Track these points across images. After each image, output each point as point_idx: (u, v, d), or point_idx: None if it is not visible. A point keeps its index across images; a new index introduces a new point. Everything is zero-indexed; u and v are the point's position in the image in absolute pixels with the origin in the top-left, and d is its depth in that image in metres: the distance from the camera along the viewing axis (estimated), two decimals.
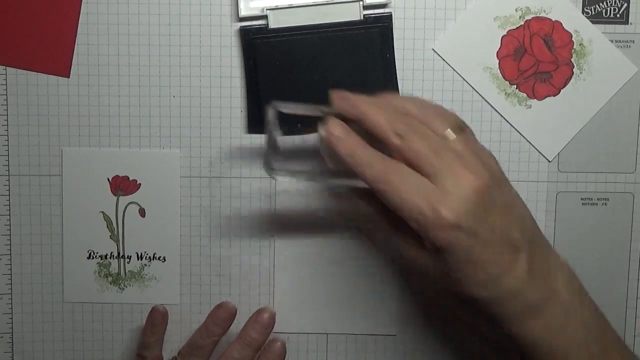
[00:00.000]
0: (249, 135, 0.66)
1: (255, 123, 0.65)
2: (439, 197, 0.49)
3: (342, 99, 0.53)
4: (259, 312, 0.66)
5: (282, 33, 0.63)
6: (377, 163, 0.50)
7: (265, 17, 0.62)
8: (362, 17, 0.63)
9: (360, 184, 0.53)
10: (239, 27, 0.64)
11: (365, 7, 0.63)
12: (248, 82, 0.64)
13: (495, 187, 0.51)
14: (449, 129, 0.52)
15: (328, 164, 0.55)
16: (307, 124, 0.61)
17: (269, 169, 0.55)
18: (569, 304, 0.53)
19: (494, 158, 0.53)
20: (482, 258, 0.50)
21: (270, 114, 0.55)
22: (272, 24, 0.62)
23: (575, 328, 0.53)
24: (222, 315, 0.65)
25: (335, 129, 0.51)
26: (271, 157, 0.55)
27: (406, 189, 0.49)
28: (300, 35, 0.63)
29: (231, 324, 0.66)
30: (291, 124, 0.62)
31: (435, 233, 0.49)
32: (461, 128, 0.52)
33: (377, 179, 0.50)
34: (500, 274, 0.51)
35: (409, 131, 0.50)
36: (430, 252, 0.52)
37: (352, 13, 0.62)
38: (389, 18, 0.63)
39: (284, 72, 0.63)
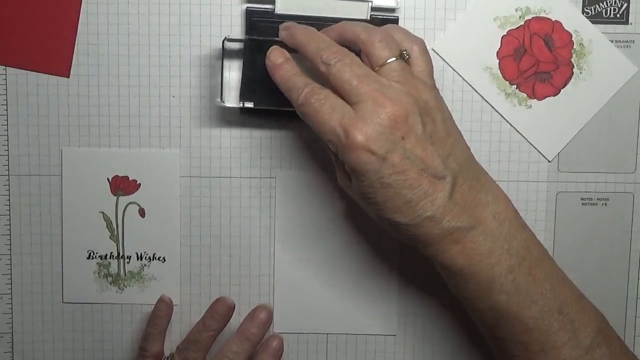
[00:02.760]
0: (250, 135, 0.66)
1: (252, 110, 0.64)
2: (353, 121, 0.52)
3: (285, 28, 0.59)
4: (257, 309, 0.66)
5: (287, 20, 0.63)
6: (304, 88, 0.54)
7: (273, 1, 0.63)
8: (369, 17, 0.63)
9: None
10: (245, 7, 0.64)
11: (374, 9, 0.63)
12: (246, 65, 0.64)
13: (418, 116, 0.53)
14: (387, 59, 0.54)
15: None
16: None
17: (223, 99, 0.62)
18: (495, 232, 0.55)
19: (432, 91, 0.56)
20: (396, 183, 0.53)
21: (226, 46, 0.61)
22: (279, 10, 0.63)
23: (499, 255, 0.55)
24: (220, 309, 0.65)
25: (275, 57, 0.57)
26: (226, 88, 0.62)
27: (324, 110, 0.53)
28: (305, 24, 0.63)
29: (229, 319, 0.66)
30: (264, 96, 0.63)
31: (347, 154, 0.53)
32: (402, 57, 0.55)
33: (301, 101, 0.54)
34: (415, 200, 0.53)
35: (335, 59, 0.54)
36: (350, 176, 0.55)
37: (359, 12, 0.63)
38: (395, 21, 0.63)
39: None
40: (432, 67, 0.57)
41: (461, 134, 0.57)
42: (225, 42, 0.62)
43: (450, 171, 0.54)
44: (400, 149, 0.52)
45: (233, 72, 0.63)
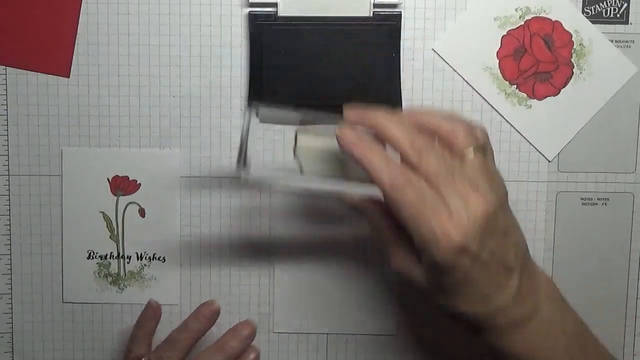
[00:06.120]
0: (250, 135, 0.66)
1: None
2: (449, 218, 0.50)
3: (356, 113, 0.54)
4: (241, 324, 0.66)
5: (290, 22, 0.63)
6: (395, 171, 0.51)
7: (275, 4, 0.63)
8: (371, 14, 0.63)
9: (354, 190, 0.54)
10: (247, 12, 0.64)
11: (376, 6, 0.63)
12: (252, 68, 0.64)
13: (500, 211, 0.52)
14: (470, 148, 0.52)
15: (349, 167, 0.55)
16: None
17: (241, 172, 0.55)
18: (551, 318, 0.55)
19: (502, 180, 0.54)
20: (477, 279, 0.51)
21: (247, 117, 0.55)
22: (282, 12, 0.63)
23: (556, 341, 0.54)
24: (205, 311, 0.65)
25: (351, 136, 0.52)
26: (242, 161, 0.55)
27: (420, 203, 0.50)
28: (308, 26, 0.63)
29: (213, 323, 0.65)
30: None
31: (440, 252, 0.50)
32: (483, 148, 0.53)
33: (394, 187, 0.50)
34: (491, 294, 0.52)
35: (426, 148, 0.51)
36: (424, 267, 0.53)
37: (362, 9, 0.63)
38: (398, 17, 0.64)
39: (289, 61, 0.64)
40: (494, 155, 0.56)
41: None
42: (260, 108, 0.56)
43: (518, 262, 0.53)
44: (489, 245, 0.51)
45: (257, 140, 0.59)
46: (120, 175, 0.66)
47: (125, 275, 0.67)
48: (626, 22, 0.65)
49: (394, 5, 0.64)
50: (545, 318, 0.54)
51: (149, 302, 0.66)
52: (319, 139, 0.56)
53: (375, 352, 0.68)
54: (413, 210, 0.50)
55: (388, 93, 0.65)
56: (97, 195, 0.66)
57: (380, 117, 0.53)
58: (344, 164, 0.56)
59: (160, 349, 0.64)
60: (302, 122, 0.56)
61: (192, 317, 0.65)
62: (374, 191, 0.52)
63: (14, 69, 0.65)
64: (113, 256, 0.67)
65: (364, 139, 0.52)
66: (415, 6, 0.64)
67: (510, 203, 0.66)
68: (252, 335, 0.65)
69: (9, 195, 0.66)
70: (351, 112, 0.54)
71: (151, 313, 0.66)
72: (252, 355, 0.66)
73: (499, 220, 0.52)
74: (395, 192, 0.50)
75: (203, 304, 0.66)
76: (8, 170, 0.66)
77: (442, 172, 0.50)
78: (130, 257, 0.67)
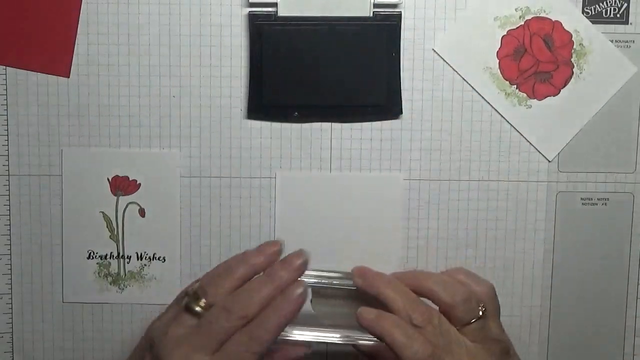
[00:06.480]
0: (250, 135, 0.66)
1: (255, 110, 0.65)
2: None
3: (360, 276, 0.58)
4: (292, 255, 0.58)
5: (290, 22, 0.63)
6: (416, 346, 0.55)
7: (275, 4, 0.63)
8: (371, 14, 0.63)
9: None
10: (247, 12, 0.64)
11: (376, 6, 0.63)
12: (252, 68, 0.64)
13: None
14: (470, 321, 0.57)
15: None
16: (305, 114, 0.64)
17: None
18: None
19: (504, 341, 0.59)
20: None
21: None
22: (282, 12, 0.63)
23: None
24: (268, 247, 0.57)
25: (369, 312, 0.57)
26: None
27: None
28: (308, 26, 0.63)
29: (273, 261, 0.57)
30: (288, 112, 0.64)
31: None
32: (483, 316, 0.58)
33: None
34: None
35: (425, 321, 0.56)
36: None
37: (362, 9, 0.63)
38: (398, 17, 0.64)
39: (289, 61, 0.64)
40: (500, 309, 0.60)
41: None
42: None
43: None
44: None
45: None
46: (120, 175, 0.66)
47: (125, 275, 0.67)
48: (626, 22, 0.65)
49: (394, 5, 0.64)
50: None
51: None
52: (332, 300, 0.61)
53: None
54: None
55: (388, 93, 0.65)
56: (97, 195, 0.66)
57: (384, 285, 0.58)
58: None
59: (214, 275, 0.57)
60: (315, 289, 0.60)
61: (254, 251, 0.58)
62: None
63: (14, 69, 0.65)
64: (113, 256, 0.67)
65: (382, 316, 0.56)
66: (415, 6, 0.64)
67: (510, 203, 0.67)
68: (304, 265, 0.58)
69: (9, 195, 0.66)
70: (357, 279, 0.58)
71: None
72: (299, 290, 0.56)
73: None
74: None
75: (266, 242, 0.58)
76: (8, 170, 0.66)
77: (441, 344, 0.55)
78: (130, 257, 0.67)
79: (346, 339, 0.59)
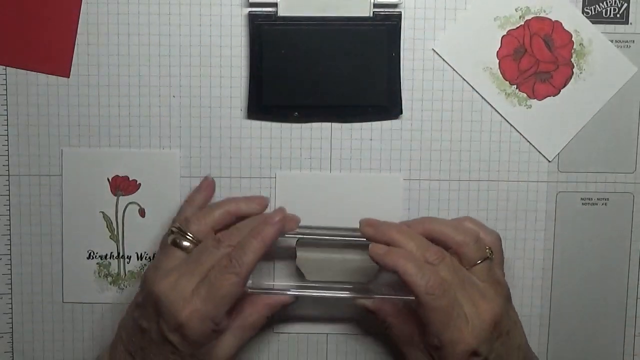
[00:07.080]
0: (250, 135, 0.66)
1: (255, 110, 0.65)
2: (466, 324, 0.56)
3: (370, 226, 0.60)
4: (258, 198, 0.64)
5: (290, 22, 0.63)
6: (429, 276, 0.56)
7: (275, 4, 0.63)
8: (371, 14, 0.63)
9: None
10: (247, 12, 0.64)
11: (376, 6, 0.63)
12: (252, 68, 0.64)
13: (505, 313, 0.58)
14: (478, 261, 0.59)
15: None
16: (305, 114, 0.64)
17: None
18: None
19: (506, 286, 0.60)
20: None
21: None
22: (282, 12, 0.63)
23: None
24: (255, 197, 0.64)
25: (379, 248, 0.58)
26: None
27: (451, 309, 0.56)
28: (308, 26, 0.63)
29: (258, 207, 0.62)
30: (288, 112, 0.64)
31: (457, 354, 0.56)
32: (490, 257, 0.60)
33: (430, 293, 0.56)
34: None
35: (438, 260, 0.57)
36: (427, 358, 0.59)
37: (362, 9, 0.63)
38: (398, 17, 0.64)
39: (289, 61, 0.64)
40: (504, 261, 0.63)
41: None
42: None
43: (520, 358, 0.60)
44: (496, 348, 0.57)
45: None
46: (120, 175, 0.66)
47: (125, 275, 0.67)
48: (626, 22, 0.65)
49: (394, 5, 0.64)
50: None
51: (205, 177, 0.65)
52: (317, 250, 0.63)
53: (375, 352, 0.68)
54: (443, 315, 0.56)
55: (388, 93, 0.65)
56: (97, 195, 0.66)
57: (394, 231, 0.59)
58: (344, 271, 0.63)
59: (198, 213, 0.62)
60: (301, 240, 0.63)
61: (237, 199, 0.63)
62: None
63: (14, 69, 0.65)
64: (113, 256, 0.67)
65: (393, 250, 0.57)
66: (415, 6, 0.64)
67: (510, 203, 0.67)
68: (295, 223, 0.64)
69: (9, 195, 0.66)
70: (367, 228, 0.60)
71: (204, 185, 0.64)
72: (278, 217, 0.60)
73: (504, 322, 0.58)
74: (430, 297, 0.56)
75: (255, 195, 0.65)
76: (8, 170, 0.66)
77: (455, 282, 0.57)
78: (130, 257, 0.67)
79: (336, 294, 0.62)
